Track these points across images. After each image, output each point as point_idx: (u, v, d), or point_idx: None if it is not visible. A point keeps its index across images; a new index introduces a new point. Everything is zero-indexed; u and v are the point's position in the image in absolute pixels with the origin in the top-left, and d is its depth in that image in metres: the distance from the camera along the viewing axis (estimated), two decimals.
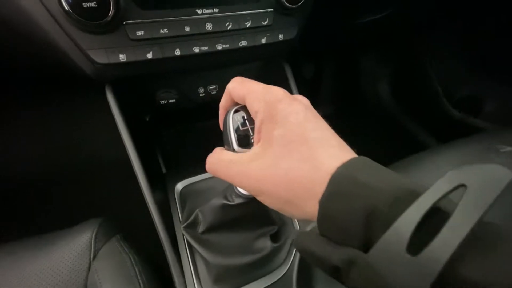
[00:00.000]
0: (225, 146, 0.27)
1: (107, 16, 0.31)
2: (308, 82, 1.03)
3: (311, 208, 0.19)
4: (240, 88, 0.25)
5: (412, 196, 0.14)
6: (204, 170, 0.47)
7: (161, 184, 0.45)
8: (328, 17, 0.58)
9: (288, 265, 0.37)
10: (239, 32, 0.39)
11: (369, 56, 1.01)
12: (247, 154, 0.23)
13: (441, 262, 0.12)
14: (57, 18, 0.31)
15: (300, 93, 0.50)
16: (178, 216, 0.41)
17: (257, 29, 0.40)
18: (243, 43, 0.40)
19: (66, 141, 0.74)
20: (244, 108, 0.26)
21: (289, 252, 0.39)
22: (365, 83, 1.04)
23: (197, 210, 0.37)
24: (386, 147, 0.95)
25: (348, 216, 0.16)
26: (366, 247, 0.15)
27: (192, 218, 0.37)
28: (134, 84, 0.45)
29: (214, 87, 0.51)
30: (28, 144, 0.74)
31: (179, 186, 0.44)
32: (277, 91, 0.23)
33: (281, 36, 0.42)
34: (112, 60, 0.34)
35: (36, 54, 0.43)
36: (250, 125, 0.26)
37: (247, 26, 0.39)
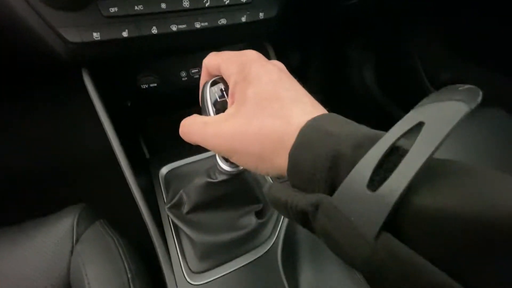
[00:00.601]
0: None
1: None
2: (294, 71, 1.03)
3: (282, 161, 0.19)
4: (215, 58, 0.25)
5: (375, 139, 0.15)
6: (188, 154, 0.47)
7: (145, 170, 0.44)
8: None
9: (273, 240, 0.38)
10: (218, 9, 0.38)
11: (354, 44, 1.01)
12: (220, 115, 0.23)
13: (396, 193, 0.13)
14: None
15: None
16: (163, 198, 0.41)
17: (236, 7, 0.39)
18: (223, 21, 0.39)
19: (45, 132, 0.72)
20: (222, 79, 0.26)
21: (274, 228, 0.39)
22: (351, 71, 1.05)
23: (181, 190, 0.37)
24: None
25: (314, 163, 0.17)
26: (332, 191, 0.16)
27: (176, 198, 0.37)
28: (113, 67, 0.43)
29: (197, 70, 0.50)
30: (7, 138, 0.72)
31: (164, 170, 0.43)
32: (250, 53, 0.23)
33: (261, 15, 0.42)
34: (85, 38, 0.33)
35: (5, 39, 0.41)
36: (227, 96, 0.25)
37: (226, 3, 0.38)
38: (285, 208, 0.18)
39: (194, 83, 0.52)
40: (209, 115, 0.26)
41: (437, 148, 0.13)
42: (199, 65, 0.50)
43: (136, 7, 0.33)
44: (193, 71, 0.50)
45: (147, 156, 0.50)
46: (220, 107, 0.26)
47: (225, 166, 0.31)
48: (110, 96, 0.43)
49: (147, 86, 0.47)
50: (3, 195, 0.68)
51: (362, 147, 0.15)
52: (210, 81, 0.26)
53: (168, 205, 0.37)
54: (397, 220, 0.13)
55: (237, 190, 0.34)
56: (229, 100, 0.24)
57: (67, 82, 0.61)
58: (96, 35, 0.33)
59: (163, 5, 0.35)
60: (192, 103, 0.59)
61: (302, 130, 0.18)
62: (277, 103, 0.20)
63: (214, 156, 0.32)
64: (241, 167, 0.32)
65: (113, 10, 0.33)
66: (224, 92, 0.26)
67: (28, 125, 0.72)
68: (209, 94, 0.26)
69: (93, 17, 0.32)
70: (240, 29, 0.42)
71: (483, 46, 0.75)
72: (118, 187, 0.46)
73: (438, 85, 0.85)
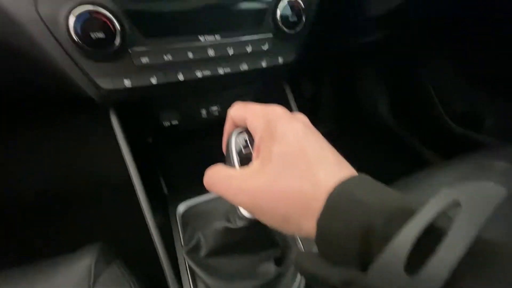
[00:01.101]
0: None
1: (113, 45, 0.32)
2: (307, 100, 1.05)
3: (308, 225, 0.19)
4: (241, 110, 0.26)
5: (407, 214, 0.15)
6: (206, 190, 0.47)
7: (162, 206, 0.45)
8: (325, 39, 0.60)
9: None
10: (240, 56, 0.40)
11: (367, 73, 1.03)
12: (246, 170, 0.23)
13: (439, 281, 0.12)
14: (66, 47, 0.32)
15: (300, 111, 0.51)
16: (180, 239, 0.40)
17: (257, 54, 0.41)
18: (244, 67, 0.41)
19: (66, 162, 0.74)
20: (247, 130, 0.27)
21: (294, 276, 0.38)
22: (364, 100, 1.06)
23: (199, 233, 0.36)
24: (388, 164, 0.94)
25: (345, 235, 0.16)
26: (364, 266, 0.15)
27: (194, 242, 0.36)
28: (138, 106, 0.46)
29: (216, 108, 0.52)
30: (29, 164, 0.75)
31: (181, 208, 0.43)
32: (276, 109, 0.24)
33: (280, 60, 0.44)
34: (117, 86, 0.35)
35: (43, 80, 0.45)
36: (252, 147, 0.26)
37: (248, 51, 0.40)
38: (315, 281, 0.17)
39: (214, 120, 0.53)
40: (234, 165, 0.26)
41: (477, 232, 0.12)
42: (218, 103, 0.52)
43: (165, 57, 0.36)
44: (213, 108, 0.52)
45: (166, 191, 0.50)
46: (244, 157, 0.26)
47: (245, 213, 0.31)
48: (133, 134, 0.45)
49: (169, 124, 0.49)
50: (16, 224, 0.69)
51: (395, 222, 0.15)
52: (236, 132, 0.27)
53: (186, 249, 0.36)
54: None
55: (256, 235, 0.34)
56: (254, 153, 0.24)
57: (93, 115, 0.64)
58: (127, 82, 0.35)
59: (190, 54, 0.37)
60: (210, 138, 0.60)
61: (330, 196, 0.18)
62: (303, 162, 0.20)
63: None
64: None
65: (144, 60, 0.35)
66: (248, 143, 0.26)
67: (48, 153, 0.75)
68: (234, 144, 0.27)
69: (125, 66, 0.35)
70: (260, 72, 0.44)
71: (499, 77, 0.74)
72: (136, 223, 0.46)
73: (453, 115, 0.84)
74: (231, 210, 0.33)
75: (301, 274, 0.19)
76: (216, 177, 0.24)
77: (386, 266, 0.14)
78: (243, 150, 0.26)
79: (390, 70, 0.94)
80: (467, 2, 0.53)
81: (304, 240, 0.40)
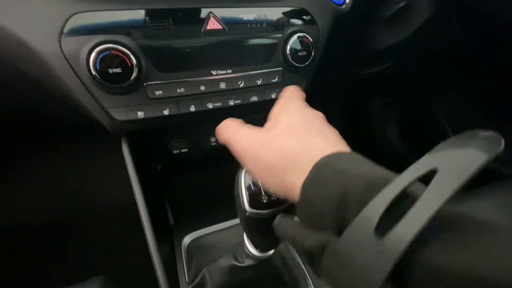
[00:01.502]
0: (236, 206, 0.27)
1: (129, 80, 0.33)
2: None
3: (292, 177, 0.20)
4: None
5: (385, 182, 0.15)
6: (212, 222, 0.46)
7: (167, 237, 0.44)
8: (332, 70, 0.61)
9: None
10: (251, 89, 0.41)
11: (376, 100, 1.03)
12: (254, 128, 0.25)
13: (403, 243, 0.12)
14: (84, 81, 0.33)
15: None
16: (184, 274, 0.39)
17: (267, 86, 0.42)
18: (254, 98, 0.42)
19: (73, 187, 0.75)
20: None
21: None
22: (372, 126, 1.05)
23: (204, 269, 0.35)
24: None
25: (324, 201, 0.17)
26: (340, 231, 0.15)
27: (198, 278, 0.35)
28: (148, 134, 0.46)
29: None
30: (34, 188, 0.75)
31: (186, 239, 0.42)
32: (298, 103, 0.27)
33: None
34: (130, 117, 0.36)
35: (58, 107, 0.46)
36: (262, 185, 0.25)
37: (258, 83, 0.41)
38: (292, 243, 0.19)
39: (222, 148, 0.53)
40: (242, 201, 0.25)
41: (450, 198, 0.12)
42: None
43: (178, 90, 0.37)
44: None
45: (172, 221, 0.49)
46: (254, 193, 0.26)
47: (253, 251, 0.30)
48: (142, 161, 0.45)
49: (178, 152, 0.49)
50: (18, 250, 0.68)
51: (372, 189, 0.15)
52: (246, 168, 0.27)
53: (190, 287, 0.35)
54: (403, 271, 0.13)
55: (265, 275, 0.32)
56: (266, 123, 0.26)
57: (102, 140, 0.65)
58: (140, 114, 0.36)
59: (202, 88, 0.38)
60: (218, 165, 0.60)
61: (316, 165, 0.19)
62: (304, 131, 0.23)
63: (241, 234, 0.31)
64: (270, 252, 0.30)
65: (158, 93, 0.36)
66: (259, 180, 0.26)
67: (55, 177, 0.76)
68: (244, 180, 0.26)
69: (140, 99, 0.36)
70: (269, 103, 0.44)
71: None
72: (139, 254, 0.45)
73: (459, 130, 0.81)
74: (239, 247, 0.32)
75: (280, 236, 0.21)
76: (227, 125, 0.28)
77: (358, 229, 0.14)
78: (252, 186, 0.25)
79: (399, 98, 0.94)
80: (477, 36, 0.54)
81: (315, 279, 0.38)
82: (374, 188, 0.15)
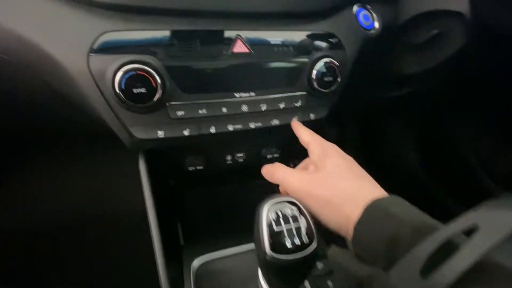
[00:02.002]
0: (255, 244, 0.25)
1: (153, 100, 0.33)
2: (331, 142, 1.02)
3: (348, 211, 0.23)
4: (308, 136, 0.37)
5: (431, 230, 0.18)
6: (224, 245, 0.44)
7: (177, 258, 0.42)
8: (354, 93, 0.60)
9: None
10: (273, 112, 0.40)
11: (394, 121, 1.00)
12: (303, 170, 0.32)
13: (444, 285, 0.14)
14: (108, 99, 0.33)
15: None
16: None
17: (289, 110, 0.41)
18: (276, 122, 0.41)
19: (86, 199, 0.75)
20: (281, 204, 0.25)
21: None
22: (391, 148, 1.02)
23: None
24: None
25: (376, 241, 0.20)
26: (388, 268, 0.18)
27: None
28: (165, 151, 0.46)
29: (242, 155, 0.51)
30: (43, 192, 0.76)
31: (196, 263, 0.41)
32: (327, 143, 0.34)
33: (312, 116, 0.43)
34: (150, 136, 0.36)
35: (77, 117, 0.47)
36: (285, 224, 0.24)
37: (281, 107, 0.40)
38: (343, 272, 0.21)
39: (238, 166, 0.53)
40: (262, 241, 0.24)
41: (488, 250, 0.14)
42: (244, 150, 0.52)
43: (200, 111, 0.36)
44: (238, 155, 0.51)
45: (182, 241, 0.48)
46: (275, 234, 0.24)
47: (266, 286, 0.28)
48: (157, 177, 0.44)
49: (193, 168, 0.49)
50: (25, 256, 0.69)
51: (418, 234, 0.18)
52: (267, 202, 0.25)
53: None
54: None
55: None
56: (309, 167, 0.33)
57: (119, 152, 0.66)
58: (160, 133, 0.36)
59: (224, 109, 0.37)
60: (232, 182, 0.59)
61: (369, 207, 0.22)
62: (351, 174, 0.27)
63: (256, 268, 0.29)
64: None
65: (180, 113, 0.35)
66: (281, 219, 0.24)
67: (66, 188, 0.76)
68: (265, 217, 0.25)
69: (161, 118, 0.35)
70: (290, 127, 0.43)
71: None
72: (146, 273, 0.44)
73: (492, 173, 0.77)
74: (251, 282, 0.30)
75: (333, 265, 0.24)
76: (276, 168, 0.32)
77: (405, 268, 0.16)
78: (274, 226, 0.24)
79: (421, 121, 0.91)
80: (509, 66, 0.51)
81: None
82: (421, 234, 0.18)
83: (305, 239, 0.23)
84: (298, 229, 0.23)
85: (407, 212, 0.21)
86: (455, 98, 0.74)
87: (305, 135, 0.36)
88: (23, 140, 0.69)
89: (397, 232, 0.19)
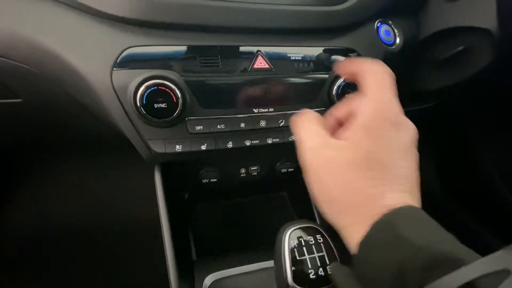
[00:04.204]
0: (275, 272, 0.24)
1: (173, 114, 0.33)
2: None
3: (354, 221, 0.20)
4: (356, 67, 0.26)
5: (449, 263, 0.14)
6: (236, 262, 0.43)
7: (189, 274, 0.42)
8: None
9: None
10: (290, 128, 0.39)
11: None
12: (332, 139, 0.22)
13: None
14: (129, 113, 0.33)
15: None
16: None
17: None
18: (293, 137, 0.40)
19: (102, 205, 0.76)
20: (304, 230, 0.24)
21: None
22: None
23: None
24: None
25: (382, 268, 0.17)
26: None
27: None
28: (181, 164, 0.46)
29: (256, 168, 0.51)
30: (58, 200, 0.77)
31: (208, 280, 0.40)
32: (393, 108, 0.23)
33: None
34: (168, 150, 0.36)
35: (98, 131, 0.48)
36: (308, 253, 0.23)
37: None
38: None
39: (251, 179, 0.52)
40: (285, 270, 0.23)
41: None
42: (258, 163, 0.51)
43: (218, 126, 0.36)
44: (252, 168, 0.51)
45: (194, 256, 0.48)
46: (298, 261, 0.23)
47: None
48: (171, 189, 0.44)
49: (207, 181, 0.48)
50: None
51: (432, 269, 0.15)
52: (290, 226, 0.24)
53: None
54: None
55: None
56: (344, 132, 0.23)
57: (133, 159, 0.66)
58: (178, 148, 0.36)
59: (242, 125, 0.37)
60: (245, 196, 0.58)
61: (377, 223, 0.18)
62: (381, 170, 0.20)
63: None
64: None
65: (198, 128, 0.35)
66: (304, 248, 0.23)
67: (79, 186, 0.77)
68: (288, 242, 0.24)
69: (180, 133, 0.35)
70: None
71: None
72: (159, 285, 0.43)
73: (509, 179, 0.73)
74: None
75: (332, 281, 0.21)
76: (301, 124, 0.25)
77: None
78: (296, 254, 0.23)
79: (441, 137, 0.88)
80: None
81: None
82: (435, 269, 0.15)
83: (330, 270, 0.22)
84: (322, 258, 0.22)
85: (421, 233, 0.17)
86: (479, 115, 0.72)
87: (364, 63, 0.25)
88: (40, 147, 0.71)
89: (406, 262, 0.16)
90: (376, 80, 0.23)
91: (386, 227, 0.18)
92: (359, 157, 0.20)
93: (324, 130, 0.24)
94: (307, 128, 0.24)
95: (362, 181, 0.20)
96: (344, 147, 0.21)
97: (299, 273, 0.22)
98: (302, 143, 0.24)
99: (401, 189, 0.20)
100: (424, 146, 0.96)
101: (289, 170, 0.50)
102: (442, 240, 0.17)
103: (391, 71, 0.25)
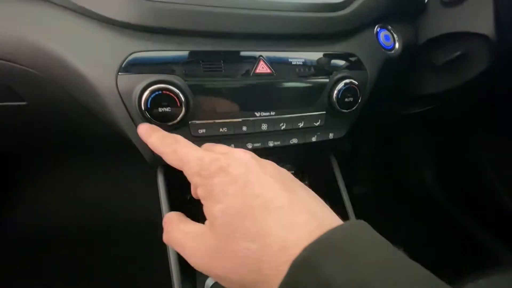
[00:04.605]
0: None
1: (176, 119, 0.33)
2: (345, 156, 1.01)
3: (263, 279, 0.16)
4: (173, 157, 0.25)
5: None
6: None
7: (191, 275, 0.42)
8: (372, 111, 0.59)
9: None
10: (292, 131, 0.40)
11: (410, 137, 0.99)
12: (200, 228, 0.21)
13: None
14: (133, 117, 0.34)
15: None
16: None
17: (309, 129, 0.41)
18: (294, 140, 0.41)
19: (100, 206, 0.76)
20: None
21: None
22: (406, 164, 1.00)
23: None
24: (431, 240, 0.85)
25: None
26: None
27: None
28: None
29: None
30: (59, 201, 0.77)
31: (209, 281, 0.41)
32: (210, 164, 0.21)
33: (331, 135, 0.43)
34: None
35: (101, 133, 0.48)
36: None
37: (300, 126, 0.40)
38: None
39: None
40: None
41: None
42: None
43: (221, 129, 0.37)
44: None
45: None
46: None
47: None
48: (173, 190, 0.45)
49: None
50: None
51: None
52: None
53: None
54: None
55: None
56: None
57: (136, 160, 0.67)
58: None
59: (244, 128, 0.38)
60: None
61: (292, 267, 0.14)
62: (248, 219, 0.17)
63: None
64: None
65: (201, 131, 0.36)
66: None
67: (81, 188, 0.78)
68: None
69: (183, 136, 0.36)
70: (308, 146, 0.43)
71: None
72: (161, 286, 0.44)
73: (509, 183, 0.74)
74: None
75: None
76: (173, 233, 0.22)
77: None
78: None
79: (441, 140, 0.89)
80: None
81: None
82: None
83: None
84: None
85: (360, 271, 0.13)
86: (479, 118, 0.72)
87: (165, 154, 0.25)
88: (41, 148, 0.71)
89: None
90: (186, 170, 0.23)
91: (305, 269, 0.14)
92: (219, 229, 0.18)
93: (186, 221, 0.23)
94: (176, 229, 0.22)
95: (237, 243, 0.17)
96: (208, 229, 0.20)
97: None
98: (182, 249, 0.21)
99: (283, 220, 0.17)
100: (424, 149, 0.97)
101: (291, 172, 0.51)
102: (380, 272, 0.13)
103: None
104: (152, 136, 0.26)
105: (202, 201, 0.20)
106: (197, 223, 0.22)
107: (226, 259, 0.18)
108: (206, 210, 0.20)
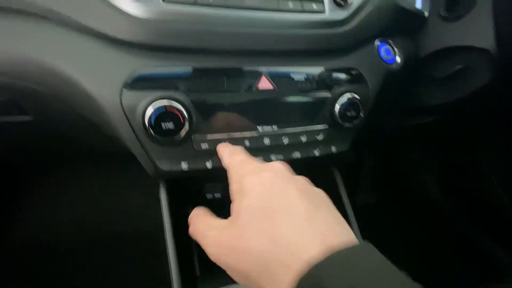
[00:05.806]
0: None
1: (180, 134, 0.34)
2: (348, 166, 1.01)
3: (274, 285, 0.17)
4: (227, 159, 0.30)
5: None
6: None
7: (192, 284, 0.42)
8: (374, 124, 0.59)
9: None
10: (294, 145, 0.40)
11: (414, 146, 0.98)
12: (223, 222, 0.24)
13: None
14: (137, 132, 0.34)
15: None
16: None
17: (311, 143, 0.41)
18: (297, 155, 0.41)
19: (102, 214, 0.76)
20: None
21: None
22: (409, 172, 0.99)
23: None
24: (435, 251, 0.83)
25: None
26: None
27: None
28: (184, 180, 0.46)
29: None
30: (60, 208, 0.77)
31: None
32: (247, 166, 0.26)
33: (334, 149, 0.43)
34: (174, 168, 0.36)
35: (105, 146, 0.48)
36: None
37: (302, 140, 0.40)
38: None
39: None
40: None
41: None
42: None
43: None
44: None
45: (198, 272, 0.48)
46: None
47: None
48: (176, 203, 0.45)
49: (211, 196, 0.49)
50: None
51: None
52: None
53: None
54: None
55: None
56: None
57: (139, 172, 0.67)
58: (184, 166, 0.36)
59: (246, 142, 0.38)
60: None
61: (301, 281, 0.15)
62: (265, 216, 0.20)
63: None
64: None
65: (203, 146, 0.36)
66: None
67: (82, 197, 0.78)
68: None
69: (185, 151, 0.36)
70: (311, 159, 0.43)
71: None
72: None
73: None
74: None
75: None
76: (198, 224, 0.26)
77: None
78: None
79: (443, 151, 0.89)
80: None
81: None
82: None
83: None
84: None
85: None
86: (481, 130, 0.72)
87: (225, 155, 0.30)
88: (45, 159, 0.72)
89: None
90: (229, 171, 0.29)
91: (311, 283, 0.15)
92: (244, 220, 0.21)
93: (211, 216, 0.27)
94: (202, 222, 0.26)
95: (253, 239, 0.19)
96: (230, 223, 0.22)
97: None
98: (203, 239, 0.24)
99: (296, 225, 0.19)
100: (427, 160, 0.96)
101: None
102: None
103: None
104: (235, 158, 0.30)
105: (234, 196, 0.24)
106: (221, 219, 0.25)
107: (239, 250, 0.20)
108: (235, 204, 0.23)
